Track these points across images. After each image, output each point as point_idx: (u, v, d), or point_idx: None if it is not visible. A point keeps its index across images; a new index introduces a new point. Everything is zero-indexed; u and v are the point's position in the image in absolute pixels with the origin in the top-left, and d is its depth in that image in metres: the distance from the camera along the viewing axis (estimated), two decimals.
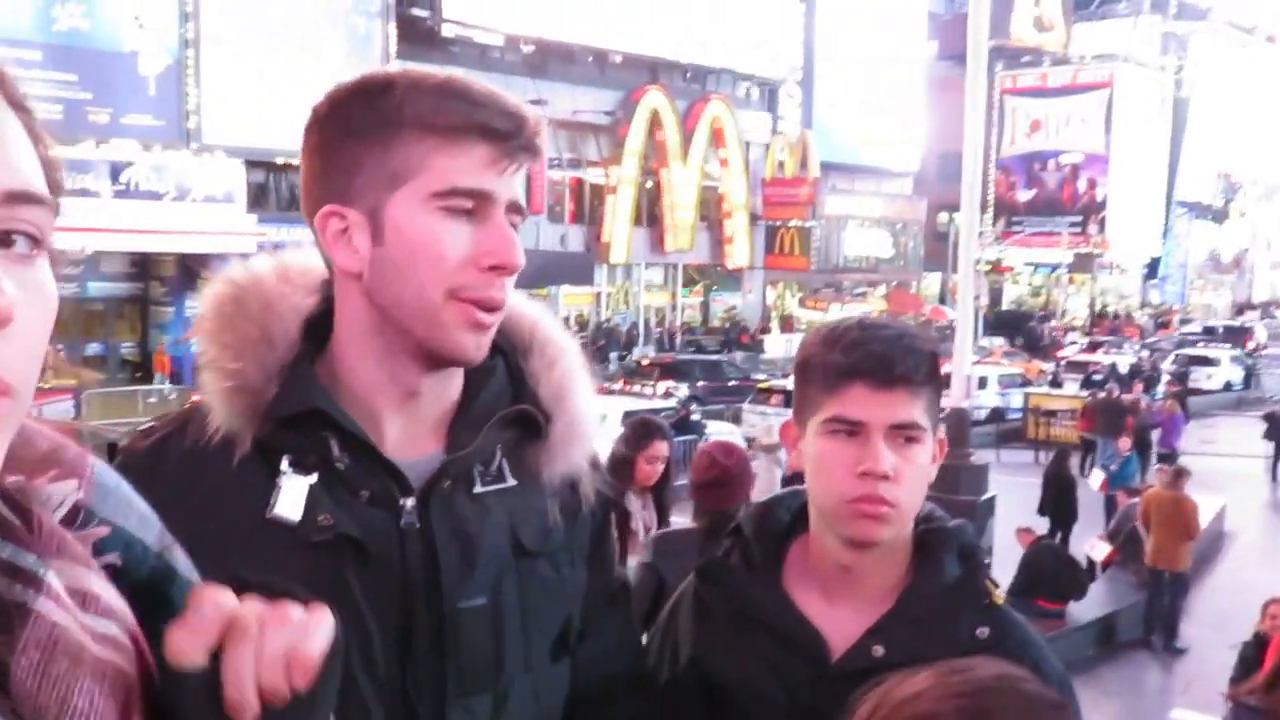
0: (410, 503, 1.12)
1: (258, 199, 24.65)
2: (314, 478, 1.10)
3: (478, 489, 1.16)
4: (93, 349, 23.73)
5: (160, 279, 24.46)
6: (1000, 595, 1.39)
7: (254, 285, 1.16)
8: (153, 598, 0.74)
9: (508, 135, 1.08)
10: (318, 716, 0.70)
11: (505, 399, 1.20)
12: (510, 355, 1.23)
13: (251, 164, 23.31)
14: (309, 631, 0.68)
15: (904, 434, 1.30)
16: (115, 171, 22.18)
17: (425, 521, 1.13)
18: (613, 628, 1.31)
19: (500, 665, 1.15)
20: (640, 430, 4.68)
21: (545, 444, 1.21)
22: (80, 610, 0.64)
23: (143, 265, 24.18)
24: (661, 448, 4.50)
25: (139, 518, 0.76)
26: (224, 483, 1.10)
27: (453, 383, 1.19)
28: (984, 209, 40.71)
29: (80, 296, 23.04)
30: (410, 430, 1.16)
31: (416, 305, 1.09)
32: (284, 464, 1.10)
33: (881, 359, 1.29)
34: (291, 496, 1.09)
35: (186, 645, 0.64)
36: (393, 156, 1.07)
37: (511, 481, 1.19)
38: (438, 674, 1.12)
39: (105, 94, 22.07)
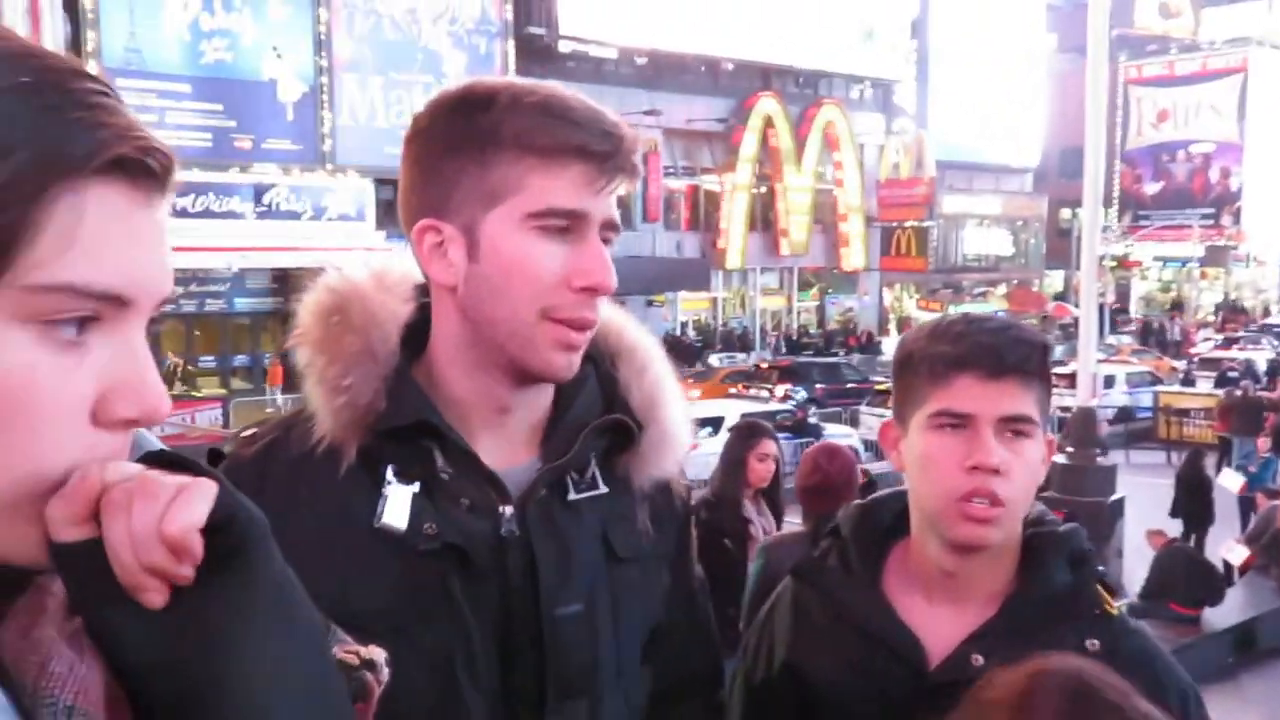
0: (509, 511, 1.13)
1: (386, 215, 25.43)
2: (416, 487, 1.11)
3: (572, 496, 1.16)
4: (239, 360, 24.79)
5: (299, 293, 25.31)
6: (1115, 606, 1.31)
7: (355, 295, 1.16)
8: None
9: (605, 156, 1.07)
10: (252, 604, 0.63)
11: (598, 408, 1.20)
12: (600, 363, 1.22)
13: (380, 182, 24.04)
14: (184, 501, 0.60)
15: (1014, 427, 1.24)
16: (258, 193, 23.20)
17: (524, 529, 1.13)
18: (689, 626, 1.30)
19: (596, 671, 1.15)
20: (747, 430, 4.68)
21: (637, 451, 1.20)
22: None
23: (283, 280, 25.16)
24: (770, 445, 4.48)
25: None
26: (331, 492, 1.11)
27: (544, 395, 1.19)
28: (1108, 203, 39.28)
29: (227, 312, 24.14)
30: (505, 440, 1.17)
31: (509, 323, 1.09)
32: (389, 474, 1.11)
33: (991, 348, 1.24)
34: (397, 506, 1.10)
35: (59, 515, 0.58)
36: (491, 174, 1.07)
37: (604, 488, 1.18)
38: (537, 680, 1.12)
39: (248, 121, 23.10)
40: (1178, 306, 44.51)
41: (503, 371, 1.13)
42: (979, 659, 1.24)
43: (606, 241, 1.11)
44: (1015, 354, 1.24)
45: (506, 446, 1.17)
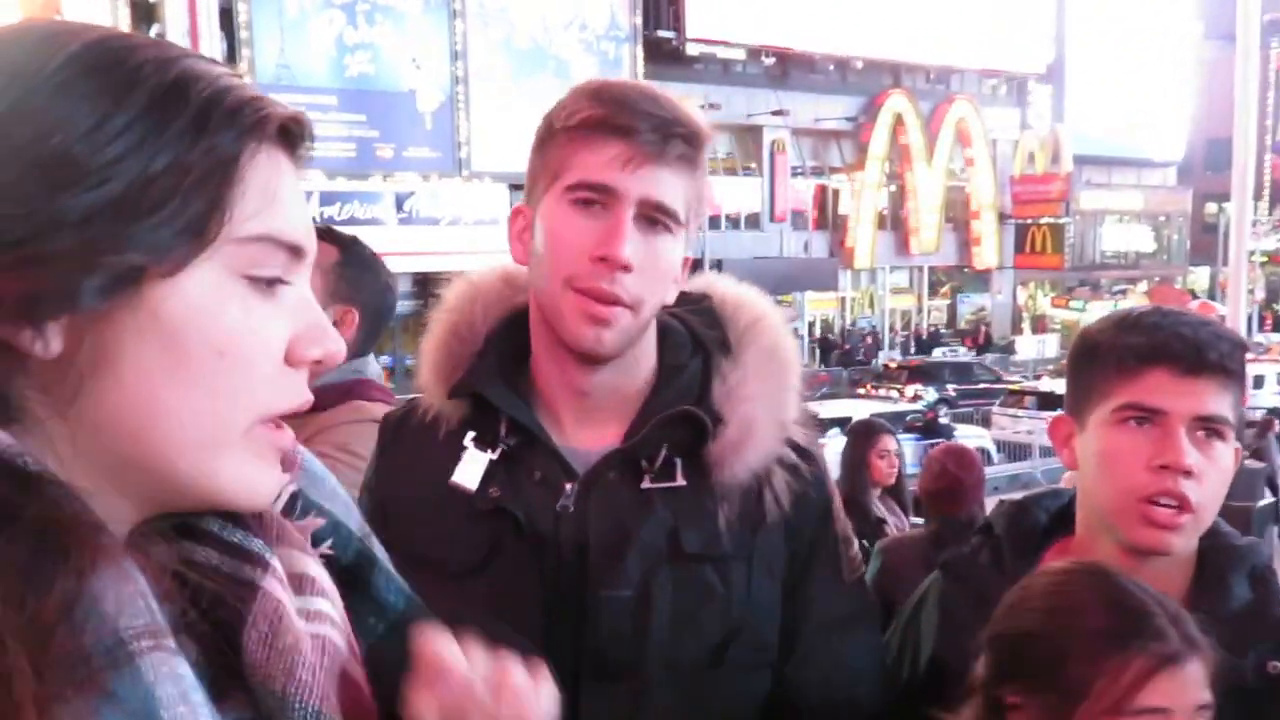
0: (570, 487, 1.17)
1: None
2: (495, 454, 1.19)
3: (645, 484, 1.17)
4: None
5: (438, 296, 26.09)
6: None
7: (486, 286, 1.29)
8: (355, 581, 0.77)
9: (639, 132, 1.10)
10: None
11: (689, 398, 1.20)
12: (712, 355, 1.23)
13: (514, 187, 24.55)
14: (537, 700, 0.69)
15: (1209, 428, 1.16)
16: (399, 201, 23.97)
17: (582, 507, 1.17)
18: (842, 651, 1.24)
19: (643, 660, 1.14)
20: (863, 429, 4.68)
21: (715, 446, 1.18)
22: (296, 593, 0.68)
23: (423, 284, 25.96)
24: (890, 442, 4.46)
25: (344, 505, 0.80)
26: (433, 452, 1.22)
27: (626, 378, 1.21)
28: (1259, 196, 37.18)
29: None
30: (590, 421, 1.21)
31: (547, 295, 1.16)
32: (468, 439, 1.20)
33: (1191, 342, 1.16)
34: (470, 468, 1.19)
35: (424, 708, 0.66)
36: (550, 159, 1.16)
37: (681, 482, 1.18)
38: (574, 654, 1.14)
39: (390, 131, 23.88)
40: None
41: (563, 350, 1.19)
42: None
43: (655, 223, 1.13)
44: (1217, 349, 1.16)
45: (593, 428, 1.21)
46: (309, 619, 0.67)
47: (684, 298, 1.26)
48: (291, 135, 0.65)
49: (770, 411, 1.21)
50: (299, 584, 0.68)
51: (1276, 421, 16.01)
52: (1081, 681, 1.00)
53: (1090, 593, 1.05)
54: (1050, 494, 1.37)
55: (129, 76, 0.58)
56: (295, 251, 0.65)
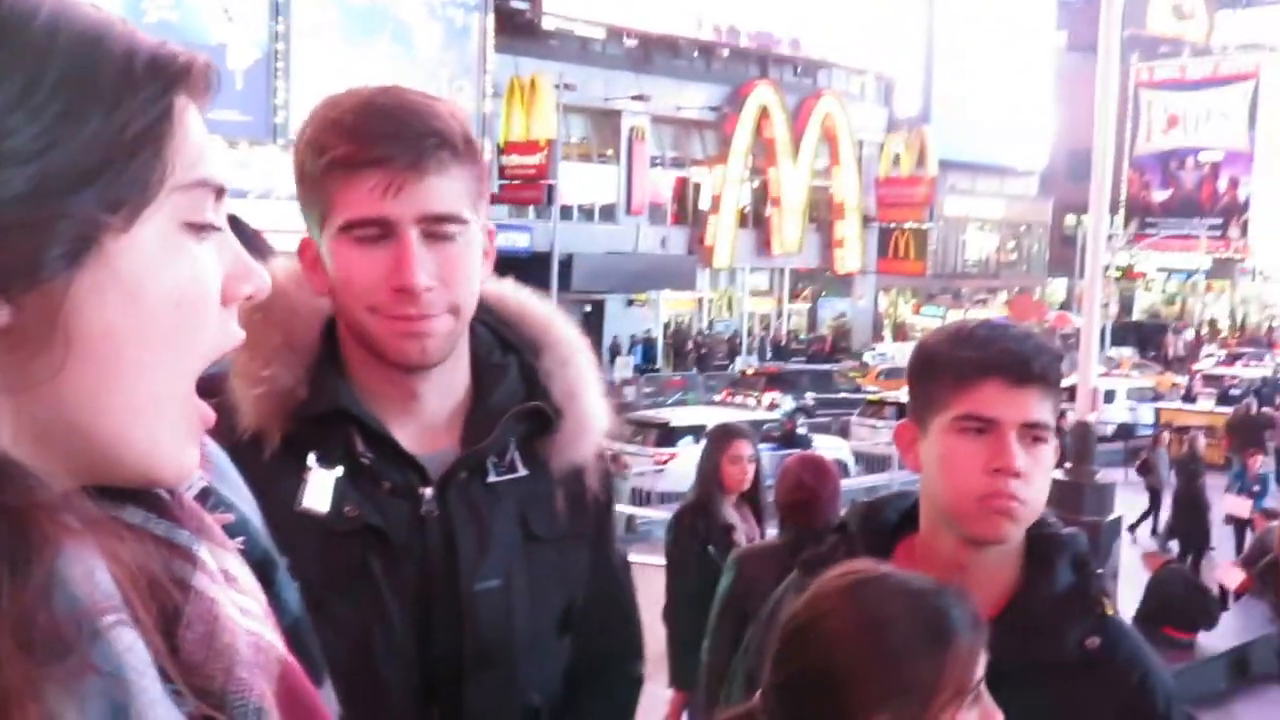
0: (429, 492, 1.27)
1: None
2: (339, 471, 1.25)
3: (491, 479, 1.30)
4: None
5: None
6: (1111, 606, 1.43)
7: (277, 290, 1.27)
8: (262, 580, 0.78)
9: (392, 158, 1.18)
10: None
11: (519, 396, 1.34)
12: (523, 354, 1.37)
13: None
14: None
15: (1033, 433, 1.35)
16: None
17: (444, 510, 1.27)
18: (609, 604, 1.47)
19: (512, 643, 1.30)
20: (719, 433, 4.80)
21: (556, 437, 1.35)
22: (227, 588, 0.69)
23: None
24: (744, 447, 4.57)
25: (249, 501, 0.84)
26: (257, 478, 1.21)
27: (453, 382, 1.32)
28: (1115, 210, 39.53)
29: None
30: (422, 426, 1.30)
31: (354, 323, 1.25)
32: (311, 459, 1.25)
33: (1018, 356, 1.34)
34: (318, 490, 1.24)
35: None
36: (315, 197, 1.23)
37: (523, 471, 1.33)
38: (455, 651, 1.26)
39: None
40: (1182, 319, 44.98)
41: (387, 363, 1.26)
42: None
43: (436, 235, 1.21)
44: (1040, 362, 1.35)
45: (426, 432, 1.31)
46: (243, 616, 0.69)
47: None
48: (205, 81, 0.69)
49: (598, 403, 1.39)
50: (225, 580, 0.70)
51: (1165, 434, 17.17)
52: (927, 681, 1.13)
53: (891, 605, 1.19)
54: (899, 495, 1.55)
55: (42, 41, 0.61)
56: (221, 193, 0.69)
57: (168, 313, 0.64)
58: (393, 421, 1.29)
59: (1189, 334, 41.13)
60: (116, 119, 0.62)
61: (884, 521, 1.50)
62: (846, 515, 1.55)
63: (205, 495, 0.76)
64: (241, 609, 0.69)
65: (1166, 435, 17.22)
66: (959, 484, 1.36)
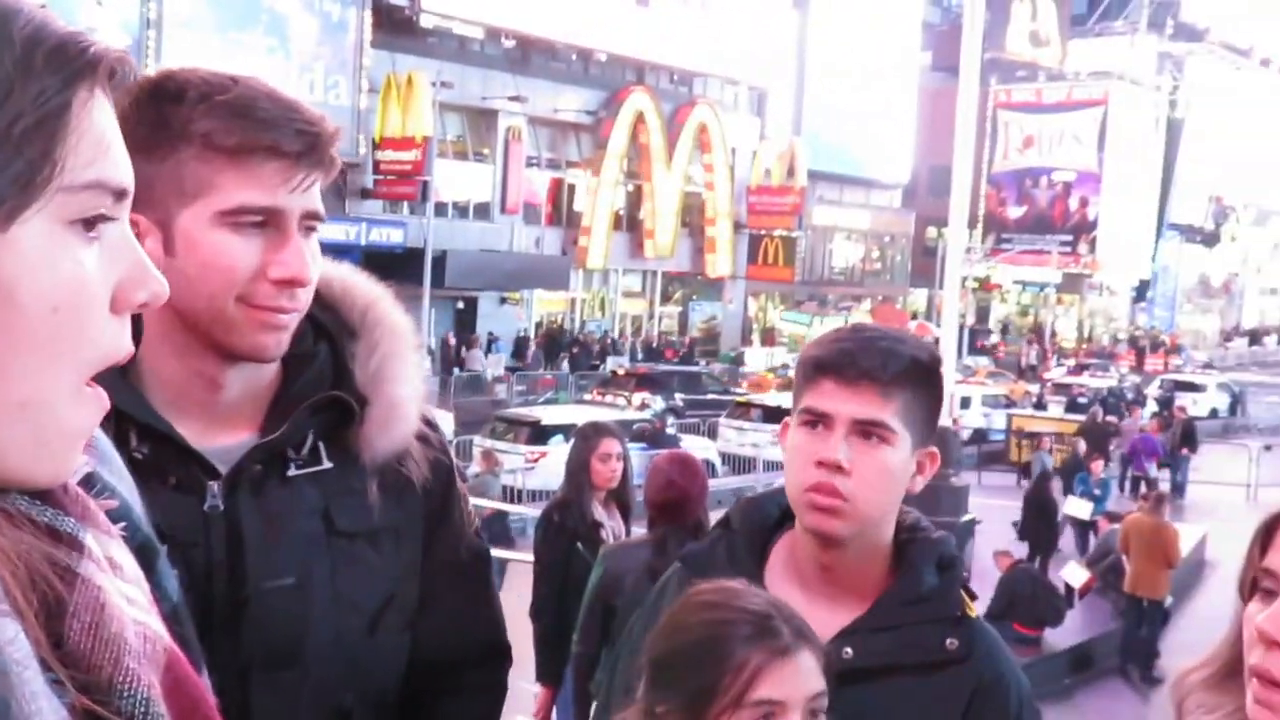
0: (216, 487, 1.22)
1: None
2: None
3: (291, 472, 1.25)
4: None
5: None
6: (974, 608, 1.46)
7: None
8: (144, 567, 0.76)
9: (298, 154, 1.15)
10: None
11: (325, 384, 1.28)
12: (337, 339, 1.31)
13: None
14: None
15: (866, 430, 1.36)
16: None
17: (231, 505, 1.22)
18: (460, 599, 1.40)
19: (306, 641, 1.24)
20: (587, 431, 4.81)
21: (364, 427, 1.28)
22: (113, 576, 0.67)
23: None
24: (612, 445, 4.59)
25: (129, 486, 0.81)
26: None
27: (263, 371, 1.26)
28: (973, 224, 41.11)
29: None
30: (222, 417, 1.25)
31: (208, 313, 1.18)
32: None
33: (849, 355, 1.38)
34: None
35: None
36: (183, 172, 1.14)
37: (327, 464, 1.27)
38: (235, 651, 1.20)
39: None
40: (1036, 330, 47.01)
41: (211, 352, 1.21)
42: (849, 652, 1.37)
43: (310, 230, 1.20)
44: (868, 361, 1.37)
45: (224, 423, 1.25)
46: (128, 604, 0.67)
47: None
48: (116, 74, 0.65)
49: (411, 389, 1.33)
50: (110, 568, 0.68)
51: (1048, 439, 17.93)
52: (710, 683, 1.19)
53: (719, 608, 1.25)
54: (780, 490, 1.56)
55: None
56: (121, 195, 0.65)
57: (43, 318, 0.61)
58: (190, 413, 1.22)
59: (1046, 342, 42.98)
60: (6, 111, 0.58)
61: (765, 517, 1.52)
62: (731, 510, 1.56)
63: (89, 481, 0.72)
64: (128, 598, 0.66)
65: (1049, 440, 18.04)
66: (793, 476, 1.40)
